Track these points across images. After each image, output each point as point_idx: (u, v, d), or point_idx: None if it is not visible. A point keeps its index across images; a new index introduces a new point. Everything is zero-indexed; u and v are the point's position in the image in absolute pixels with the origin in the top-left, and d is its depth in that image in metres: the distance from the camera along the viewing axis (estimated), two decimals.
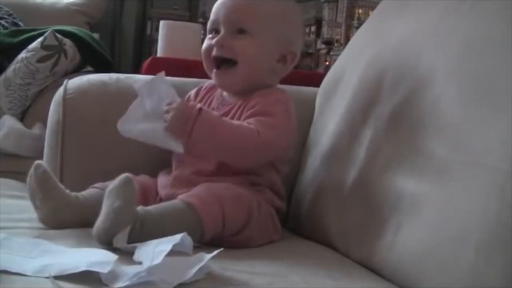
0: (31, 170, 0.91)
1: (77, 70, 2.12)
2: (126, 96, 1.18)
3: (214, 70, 1.01)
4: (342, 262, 0.90)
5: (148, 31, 3.02)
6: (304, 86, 1.32)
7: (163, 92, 0.93)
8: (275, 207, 0.99)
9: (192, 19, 2.88)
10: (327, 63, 2.70)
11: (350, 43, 1.26)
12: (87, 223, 0.84)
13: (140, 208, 0.83)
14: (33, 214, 0.92)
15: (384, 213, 0.86)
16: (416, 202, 0.80)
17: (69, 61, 2.04)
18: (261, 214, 0.94)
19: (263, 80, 1.01)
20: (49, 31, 2.02)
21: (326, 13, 2.78)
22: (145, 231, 0.79)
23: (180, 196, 0.88)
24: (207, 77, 1.08)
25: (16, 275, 0.66)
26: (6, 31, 2.20)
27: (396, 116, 0.91)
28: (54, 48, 1.99)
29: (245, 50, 0.98)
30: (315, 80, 1.32)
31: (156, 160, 1.09)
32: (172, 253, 0.72)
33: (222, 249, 0.76)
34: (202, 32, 2.07)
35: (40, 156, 1.18)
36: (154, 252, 0.71)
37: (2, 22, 2.28)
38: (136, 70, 2.56)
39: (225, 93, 1.06)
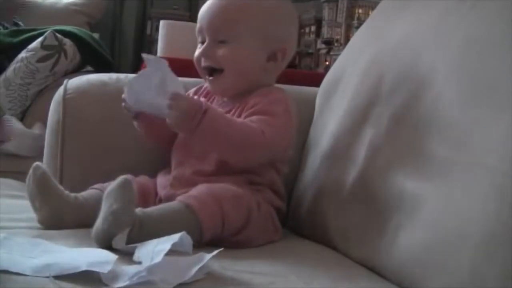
0: (30, 172, 0.91)
1: (77, 70, 2.12)
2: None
3: (207, 77, 1.03)
4: (342, 262, 0.90)
5: (148, 31, 3.02)
6: (304, 86, 1.32)
7: (169, 75, 0.92)
8: (275, 207, 0.99)
9: (192, 19, 2.88)
10: (327, 63, 2.70)
11: (350, 43, 1.26)
12: (87, 224, 0.84)
13: (139, 210, 0.83)
14: (33, 214, 0.92)
15: (384, 213, 0.86)
16: (416, 202, 0.80)
17: (69, 61, 2.04)
18: (261, 214, 0.94)
19: (256, 81, 1.02)
20: (49, 31, 2.02)
21: (326, 13, 2.78)
22: (144, 232, 0.79)
23: (179, 197, 0.88)
24: None
25: (16, 275, 0.66)
26: (6, 31, 2.20)
27: (396, 116, 0.91)
28: (54, 48, 1.99)
29: (228, 58, 0.99)
30: (315, 80, 1.32)
31: (156, 160, 1.09)
32: (172, 252, 0.72)
33: (222, 249, 0.76)
34: None
35: (40, 156, 1.18)
36: (153, 251, 0.71)
37: (2, 22, 2.28)
38: (136, 70, 2.56)
39: None
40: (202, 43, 1.02)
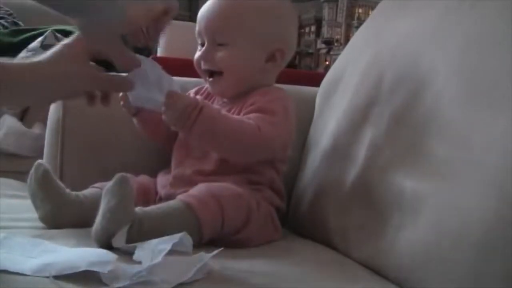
0: (32, 170, 0.91)
1: None
2: None
3: (207, 79, 1.03)
4: (342, 261, 0.90)
5: None
6: (304, 86, 1.32)
7: (164, 73, 0.92)
8: (275, 206, 0.99)
9: (192, 19, 2.88)
10: (327, 62, 2.70)
11: (350, 42, 1.26)
12: (87, 223, 0.84)
13: (138, 208, 0.83)
14: (33, 214, 0.92)
15: (384, 213, 0.86)
16: (416, 201, 0.80)
17: None
18: (261, 213, 0.94)
19: (256, 82, 1.02)
20: (49, 31, 2.02)
21: (326, 12, 2.78)
22: (144, 231, 0.79)
23: (179, 196, 0.88)
24: None
25: (16, 275, 0.66)
26: (6, 30, 2.20)
27: (396, 116, 0.91)
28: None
29: (227, 61, 0.99)
30: (315, 80, 1.32)
31: (156, 160, 1.09)
32: (172, 252, 0.72)
33: (222, 248, 0.76)
34: None
35: (40, 156, 1.18)
36: (153, 251, 0.71)
37: (2, 21, 2.28)
38: None
39: None
40: (202, 45, 1.02)
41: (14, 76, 0.75)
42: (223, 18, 1.00)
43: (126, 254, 0.74)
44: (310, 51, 2.78)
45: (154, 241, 0.75)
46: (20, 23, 2.33)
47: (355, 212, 0.93)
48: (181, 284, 0.67)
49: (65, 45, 0.80)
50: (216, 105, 1.04)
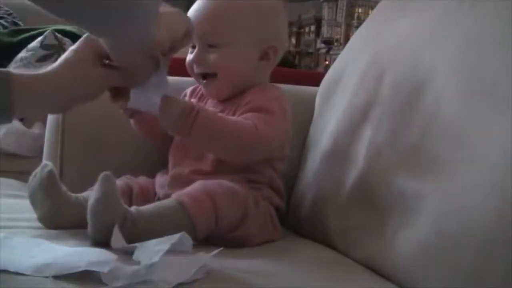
0: (38, 169, 0.91)
1: None
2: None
3: (201, 81, 1.03)
4: (342, 261, 0.90)
5: None
6: (304, 85, 1.32)
7: (161, 76, 0.92)
8: (274, 205, 0.99)
9: None
10: (327, 62, 2.71)
11: (350, 42, 1.26)
12: (86, 225, 0.84)
13: (133, 208, 0.83)
14: (33, 214, 0.92)
15: (384, 213, 0.86)
16: (417, 202, 0.80)
17: None
18: (259, 211, 0.94)
19: (250, 81, 1.02)
20: (48, 31, 2.02)
21: (325, 12, 2.78)
22: (137, 230, 0.80)
23: (173, 195, 0.89)
24: None
25: (16, 275, 0.66)
26: (6, 30, 2.20)
27: (396, 116, 0.91)
28: (54, 48, 1.99)
29: (220, 63, 0.99)
30: (315, 80, 1.32)
31: (156, 160, 1.09)
32: (171, 252, 0.72)
33: (222, 248, 0.76)
34: None
35: (40, 156, 1.18)
36: (152, 251, 0.71)
37: (2, 21, 2.28)
38: None
39: None
40: (193, 47, 1.02)
41: (26, 87, 0.77)
42: (213, 19, 0.99)
43: (126, 254, 0.74)
44: (310, 50, 2.78)
45: (153, 241, 0.75)
46: (19, 23, 2.33)
47: (355, 212, 0.93)
48: (181, 284, 0.67)
49: (72, 51, 0.81)
50: (210, 106, 1.04)
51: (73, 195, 0.93)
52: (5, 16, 2.33)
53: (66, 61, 0.81)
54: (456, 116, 0.78)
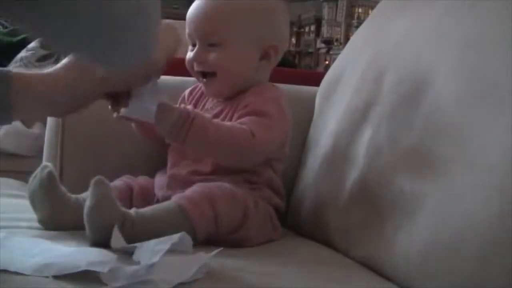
0: (38, 170, 0.91)
1: None
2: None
3: (201, 79, 1.02)
4: (342, 261, 0.90)
5: None
6: (304, 85, 1.32)
7: (155, 84, 0.92)
8: (273, 205, 0.99)
9: None
10: (326, 62, 2.71)
11: (349, 42, 1.26)
12: None
13: (132, 210, 0.83)
14: (33, 214, 0.92)
15: (384, 213, 0.86)
16: (416, 202, 0.80)
17: None
18: (259, 212, 0.94)
19: (250, 81, 1.01)
20: None
21: (325, 12, 2.78)
22: (137, 232, 0.80)
23: (173, 198, 0.89)
24: None
25: (16, 275, 0.66)
26: (6, 30, 2.20)
27: (396, 116, 0.91)
28: None
29: (220, 62, 0.98)
30: (315, 80, 1.32)
31: (156, 160, 1.09)
32: (171, 252, 0.72)
33: (222, 248, 0.76)
34: None
35: (40, 156, 1.18)
36: (152, 251, 0.71)
37: (2, 21, 2.28)
38: None
39: None
40: (193, 46, 1.01)
41: (25, 86, 0.77)
42: (213, 17, 0.99)
43: (126, 254, 0.74)
44: (310, 50, 2.78)
45: (153, 241, 0.75)
46: None
47: (355, 212, 0.93)
48: (181, 283, 0.67)
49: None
50: (210, 105, 1.04)
51: (73, 196, 0.92)
52: None
53: (69, 63, 0.81)
54: (456, 116, 0.78)
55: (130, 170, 1.04)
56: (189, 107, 0.92)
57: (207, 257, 0.72)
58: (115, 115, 0.94)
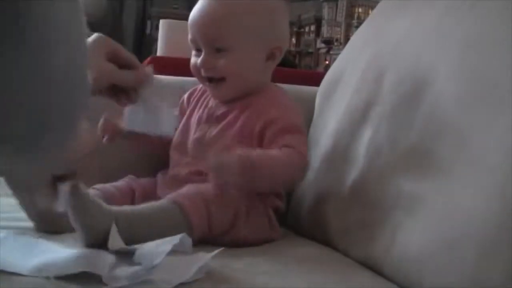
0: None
1: None
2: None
3: (207, 83, 1.02)
4: (342, 261, 0.90)
5: (148, 30, 3.03)
6: (304, 85, 1.32)
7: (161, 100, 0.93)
8: (273, 206, 0.99)
9: None
10: (327, 62, 2.71)
11: (349, 42, 1.26)
12: None
13: (127, 207, 0.83)
14: None
15: (384, 213, 0.86)
16: (416, 202, 0.80)
17: None
18: (253, 214, 0.93)
19: (256, 82, 1.02)
20: None
21: (325, 12, 2.78)
22: (133, 230, 0.79)
23: (168, 196, 0.88)
24: None
25: (16, 275, 0.66)
26: None
27: (396, 116, 0.91)
28: None
29: (229, 68, 0.98)
30: (315, 79, 1.32)
31: (156, 160, 1.09)
32: (171, 252, 0.72)
33: (222, 248, 0.76)
34: None
35: None
36: (154, 252, 0.71)
37: None
38: None
39: None
40: (197, 50, 1.00)
41: None
42: (220, 23, 0.98)
43: (126, 255, 0.74)
44: (310, 50, 2.78)
45: (155, 242, 0.74)
46: None
47: (355, 212, 0.93)
48: (181, 284, 0.67)
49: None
50: (213, 105, 1.03)
51: None
52: None
53: None
54: (456, 116, 0.78)
55: (131, 170, 1.04)
56: (239, 151, 0.90)
57: (208, 257, 0.72)
58: (104, 138, 0.93)
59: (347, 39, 2.39)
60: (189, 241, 0.76)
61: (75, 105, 0.49)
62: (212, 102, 1.04)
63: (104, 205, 0.80)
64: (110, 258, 0.69)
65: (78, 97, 0.49)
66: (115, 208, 0.82)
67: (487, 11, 0.81)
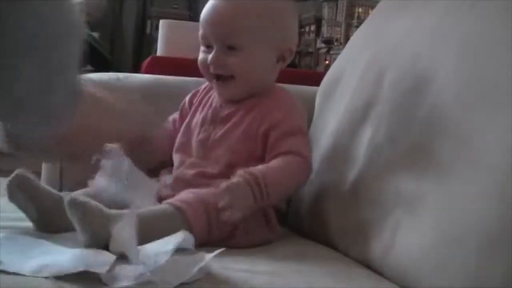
0: (14, 181, 0.88)
1: None
2: (126, 96, 1.19)
3: (214, 81, 1.01)
4: (342, 261, 0.90)
5: (148, 30, 3.02)
6: (304, 85, 1.32)
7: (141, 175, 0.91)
8: (274, 207, 0.99)
9: (192, 18, 2.88)
10: (327, 62, 2.71)
11: (349, 42, 1.26)
12: None
13: (127, 211, 0.83)
14: None
15: (384, 212, 0.86)
16: (416, 201, 0.80)
17: None
18: (252, 219, 0.93)
19: (263, 83, 1.02)
20: None
21: (325, 12, 2.78)
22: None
23: (169, 200, 0.88)
24: None
25: (16, 275, 0.66)
26: None
27: (396, 116, 0.91)
28: None
29: (239, 67, 0.98)
30: (315, 79, 1.32)
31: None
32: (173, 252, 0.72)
33: (223, 248, 0.76)
34: None
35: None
36: (156, 253, 0.70)
37: None
38: (136, 69, 2.56)
39: None
40: (207, 47, 1.00)
41: None
42: (233, 21, 0.97)
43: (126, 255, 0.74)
44: (310, 50, 2.78)
45: (157, 242, 0.74)
46: None
47: (355, 212, 0.93)
48: (182, 284, 0.67)
49: None
50: (218, 105, 1.03)
51: (59, 194, 0.89)
52: None
53: None
54: (456, 115, 0.78)
55: None
56: (240, 172, 0.89)
57: (208, 258, 0.72)
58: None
59: (347, 39, 2.39)
60: (191, 238, 0.76)
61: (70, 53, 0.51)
62: (216, 102, 1.04)
63: (105, 209, 0.80)
64: (110, 258, 0.69)
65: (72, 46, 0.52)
66: (114, 212, 0.81)
67: (487, 11, 0.81)
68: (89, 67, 2.19)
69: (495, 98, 0.73)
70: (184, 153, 1.02)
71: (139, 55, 2.97)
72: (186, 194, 0.89)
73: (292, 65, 2.34)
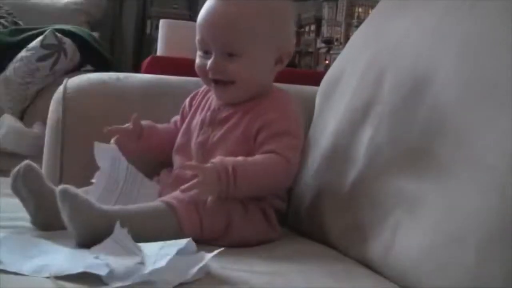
0: (20, 172, 0.88)
1: (77, 69, 2.12)
2: (126, 95, 1.19)
3: (213, 85, 1.00)
4: (342, 261, 0.90)
5: (148, 30, 3.02)
6: (304, 85, 1.32)
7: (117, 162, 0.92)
8: (274, 207, 0.99)
9: (192, 18, 2.88)
10: (327, 62, 2.71)
11: (349, 42, 1.26)
12: None
13: (119, 206, 0.84)
14: None
15: (384, 212, 0.86)
16: (416, 202, 0.80)
17: (69, 60, 2.04)
18: (248, 216, 0.93)
19: (262, 85, 1.02)
20: (48, 30, 2.02)
21: (325, 12, 2.78)
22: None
23: (161, 198, 0.89)
24: None
25: (16, 275, 0.66)
26: (6, 30, 2.20)
27: (396, 115, 0.91)
28: (54, 47, 1.99)
29: (240, 73, 0.97)
30: (315, 79, 1.32)
31: (156, 161, 1.09)
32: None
33: (223, 248, 0.76)
34: None
35: (40, 155, 1.18)
36: (157, 254, 0.70)
37: (2, 21, 2.28)
38: (136, 69, 2.57)
39: None
40: (205, 52, 0.99)
41: None
42: (233, 28, 0.96)
43: (128, 255, 0.74)
44: (310, 50, 2.78)
45: (159, 243, 0.74)
46: (20, 22, 2.33)
47: (354, 212, 0.93)
48: (181, 284, 0.67)
49: None
50: (215, 105, 1.03)
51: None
52: (5, 15, 2.33)
53: None
54: (456, 116, 0.78)
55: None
56: (217, 158, 0.90)
57: (208, 257, 0.72)
58: None
59: (347, 39, 2.39)
60: (193, 246, 0.76)
61: None
62: (214, 105, 1.04)
63: (96, 204, 0.80)
64: (110, 258, 0.69)
65: None
66: (105, 207, 0.82)
67: (487, 11, 0.81)
68: (89, 67, 2.20)
69: (495, 98, 0.73)
70: (183, 155, 1.02)
71: (139, 55, 2.97)
72: (177, 192, 0.89)
73: (292, 65, 2.34)
